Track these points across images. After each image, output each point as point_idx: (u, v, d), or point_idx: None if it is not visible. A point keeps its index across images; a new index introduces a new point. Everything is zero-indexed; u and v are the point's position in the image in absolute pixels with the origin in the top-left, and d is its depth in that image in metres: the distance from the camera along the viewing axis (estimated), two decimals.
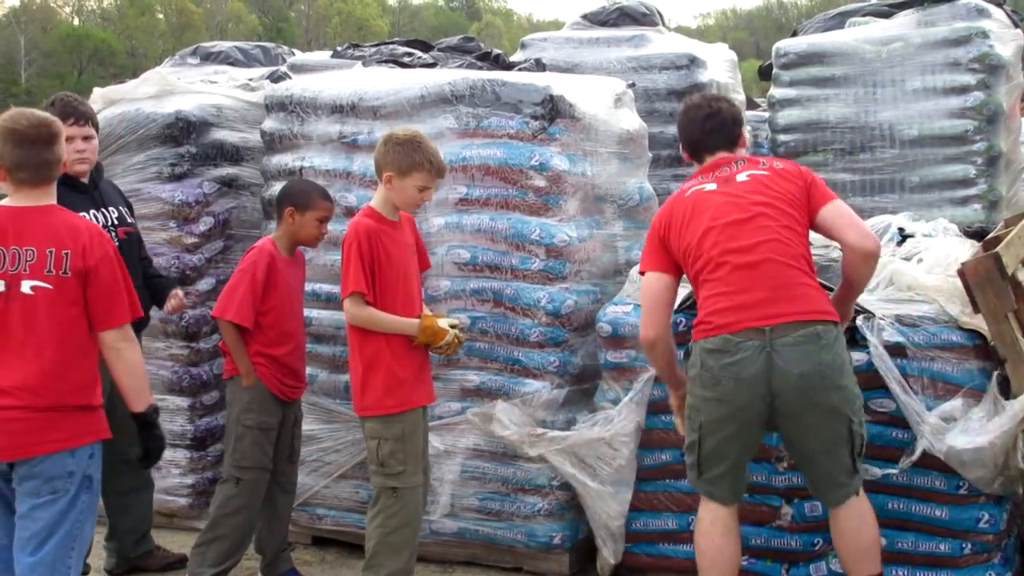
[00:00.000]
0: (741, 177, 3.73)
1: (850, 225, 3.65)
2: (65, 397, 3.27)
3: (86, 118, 4.41)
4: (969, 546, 3.92)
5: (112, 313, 3.35)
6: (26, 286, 3.25)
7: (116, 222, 4.43)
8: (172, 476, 5.24)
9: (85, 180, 4.40)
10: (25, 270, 3.25)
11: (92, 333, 3.35)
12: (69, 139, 3.98)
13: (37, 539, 3.26)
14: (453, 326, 4.14)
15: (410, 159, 3.99)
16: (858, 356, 3.90)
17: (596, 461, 4.29)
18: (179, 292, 4.64)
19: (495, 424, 4.40)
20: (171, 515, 5.26)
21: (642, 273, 3.88)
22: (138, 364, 3.48)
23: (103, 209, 4.40)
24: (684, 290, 4.01)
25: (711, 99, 4.02)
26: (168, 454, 5.09)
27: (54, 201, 3.39)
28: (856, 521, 3.64)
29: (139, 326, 4.12)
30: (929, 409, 3.85)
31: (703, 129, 3.88)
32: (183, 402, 5.25)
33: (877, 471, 3.94)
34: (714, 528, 3.69)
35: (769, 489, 4.14)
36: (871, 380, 3.89)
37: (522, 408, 4.43)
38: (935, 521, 3.95)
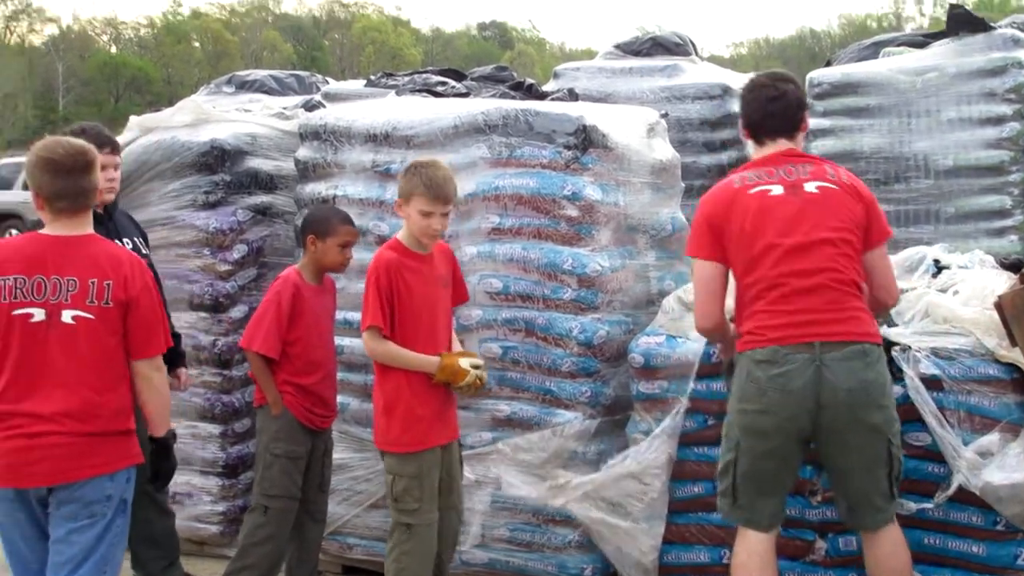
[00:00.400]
0: (810, 188, 3.69)
1: (881, 282, 3.76)
2: (105, 423, 3.31)
3: (117, 147, 4.43)
4: None
5: (150, 343, 3.40)
6: (67, 315, 3.28)
7: None
8: (203, 503, 5.25)
9: (100, 210, 4.32)
10: (66, 299, 3.28)
11: (128, 360, 3.39)
12: (102, 167, 3.97)
13: (72, 563, 3.28)
14: (476, 366, 4.04)
15: (408, 184, 3.99)
16: (894, 389, 3.86)
17: (625, 499, 4.22)
18: (183, 372, 4.68)
19: (505, 487, 4.37)
20: (202, 543, 5.27)
21: (691, 255, 3.85)
22: (166, 392, 3.57)
23: (117, 240, 4.31)
24: None
25: (777, 79, 3.93)
26: (199, 482, 5.16)
27: (91, 229, 3.43)
28: (891, 547, 3.64)
29: None
30: (965, 443, 3.80)
31: (766, 111, 3.83)
32: (215, 429, 5.25)
33: (912, 505, 3.89)
34: (751, 562, 3.65)
35: (803, 523, 4.09)
36: (907, 413, 3.84)
37: (524, 463, 4.38)
38: (972, 557, 3.89)
